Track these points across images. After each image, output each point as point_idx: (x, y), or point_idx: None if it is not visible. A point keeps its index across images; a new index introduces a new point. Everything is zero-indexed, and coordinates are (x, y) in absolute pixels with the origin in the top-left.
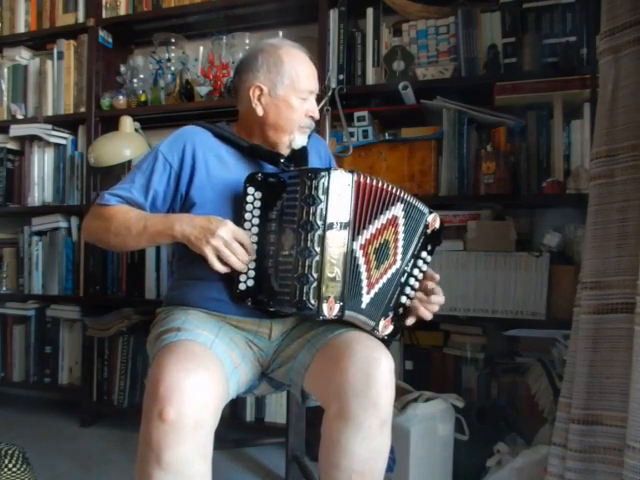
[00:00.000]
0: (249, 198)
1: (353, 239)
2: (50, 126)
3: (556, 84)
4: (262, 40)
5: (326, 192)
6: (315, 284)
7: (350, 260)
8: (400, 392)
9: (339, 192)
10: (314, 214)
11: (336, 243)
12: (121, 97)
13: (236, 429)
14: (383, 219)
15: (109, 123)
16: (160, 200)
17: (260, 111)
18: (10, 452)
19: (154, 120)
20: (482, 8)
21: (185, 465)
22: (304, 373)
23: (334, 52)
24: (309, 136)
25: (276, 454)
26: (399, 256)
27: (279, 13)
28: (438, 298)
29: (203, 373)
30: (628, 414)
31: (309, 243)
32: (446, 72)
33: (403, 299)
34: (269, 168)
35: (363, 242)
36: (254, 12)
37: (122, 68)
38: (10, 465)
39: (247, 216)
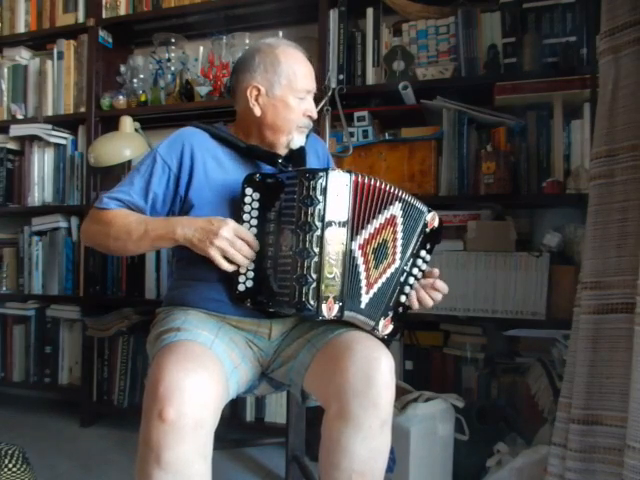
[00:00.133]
0: (247, 199)
1: (352, 239)
2: (50, 126)
3: (556, 84)
4: (259, 40)
5: (324, 192)
6: (314, 285)
7: (349, 260)
8: (400, 392)
9: (337, 192)
10: (312, 215)
11: (334, 243)
12: (121, 97)
13: (236, 429)
14: (381, 219)
15: (109, 123)
16: (160, 203)
17: (258, 111)
18: (10, 452)
19: (154, 120)
20: (482, 8)
21: (185, 465)
22: (304, 373)
23: (334, 52)
24: (307, 136)
25: (276, 454)
26: (398, 255)
27: (279, 13)
28: (443, 285)
29: (203, 373)
30: (628, 414)
31: (308, 244)
32: (446, 72)
33: (403, 298)
34: (267, 169)
35: (362, 242)
36: (254, 12)
37: (122, 68)
38: (10, 465)
39: (245, 217)
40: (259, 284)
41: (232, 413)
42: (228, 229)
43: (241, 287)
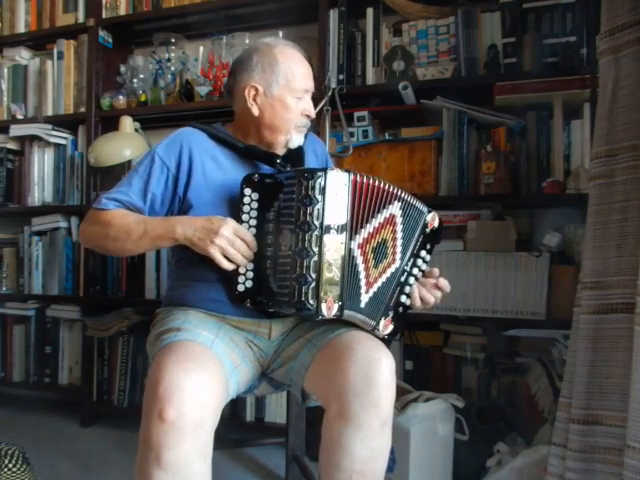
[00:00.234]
0: (246, 199)
1: (351, 238)
2: (50, 126)
3: (556, 84)
4: (258, 40)
5: (323, 192)
6: (313, 284)
7: (348, 259)
8: (400, 392)
9: (336, 192)
10: (311, 214)
11: (334, 243)
12: (121, 97)
13: (236, 429)
14: (380, 218)
15: (109, 123)
16: (158, 203)
17: (256, 111)
18: (10, 452)
19: (154, 120)
20: (482, 8)
21: (185, 465)
22: (304, 373)
23: (334, 52)
24: (305, 136)
25: (276, 454)
26: (398, 255)
27: (279, 13)
28: (446, 283)
29: (203, 373)
30: (628, 414)
31: (307, 243)
32: (446, 72)
33: (403, 298)
34: (265, 169)
35: (361, 241)
36: (254, 12)
37: (122, 68)
38: (10, 465)
39: (244, 217)
40: (259, 284)
41: (232, 413)
42: (228, 228)
43: (241, 287)
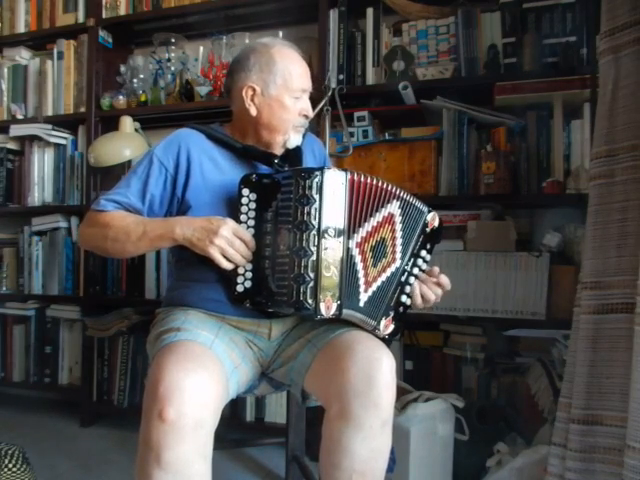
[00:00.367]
0: (244, 200)
1: (349, 237)
2: (50, 126)
3: (556, 84)
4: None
5: (320, 191)
6: (312, 284)
7: (346, 258)
8: (400, 392)
9: (333, 191)
10: (309, 214)
11: (331, 242)
12: (121, 97)
13: (236, 429)
14: (379, 217)
15: (109, 123)
16: (157, 204)
17: (253, 111)
18: (10, 452)
19: (154, 120)
20: (482, 8)
21: (185, 465)
22: (305, 373)
23: (334, 52)
24: (304, 135)
25: (276, 454)
26: (398, 255)
27: (279, 13)
28: (447, 280)
29: (203, 373)
30: (628, 414)
31: (304, 243)
32: (446, 72)
33: (403, 298)
34: (263, 169)
35: (359, 240)
36: (254, 12)
37: (122, 68)
38: (10, 465)
39: (242, 218)
40: (258, 284)
41: (232, 413)
42: (227, 228)
43: (240, 288)
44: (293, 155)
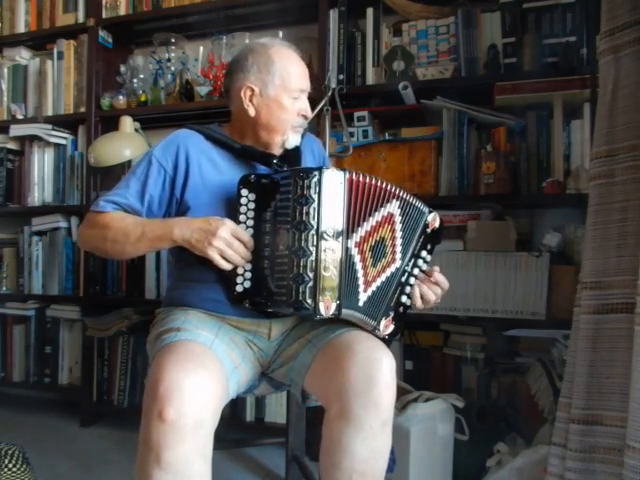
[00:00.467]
0: (243, 200)
1: (347, 237)
2: (50, 126)
3: (556, 84)
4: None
5: (318, 191)
6: (311, 283)
7: (345, 258)
8: (400, 392)
9: (331, 190)
10: (307, 213)
11: (330, 242)
12: (121, 97)
13: (236, 429)
14: (378, 216)
15: (109, 123)
16: (156, 205)
17: (252, 112)
18: (10, 452)
19: (154, 120)
20: (482, 8)
21: (185, 465)
22: (305, 373)
23: (334, 52)
24: (302, 135)
25: (276, 454)
26: (398, 255)
27: (279, 13)
28: (442, 278)
29: (203, 373)
30: (628, 414)
31: (303, 243)
32: (446, 72)
33: (404, 298)
34: (262, 169)
35: (358, 240)
36: (254, 12)
37: (122, 68)
38: (10, 465)
39: (242, 218)
40: (257, 284)
41: (232, 413)
42: (226, 229)
43: (239, 288)
44: (292, 155)
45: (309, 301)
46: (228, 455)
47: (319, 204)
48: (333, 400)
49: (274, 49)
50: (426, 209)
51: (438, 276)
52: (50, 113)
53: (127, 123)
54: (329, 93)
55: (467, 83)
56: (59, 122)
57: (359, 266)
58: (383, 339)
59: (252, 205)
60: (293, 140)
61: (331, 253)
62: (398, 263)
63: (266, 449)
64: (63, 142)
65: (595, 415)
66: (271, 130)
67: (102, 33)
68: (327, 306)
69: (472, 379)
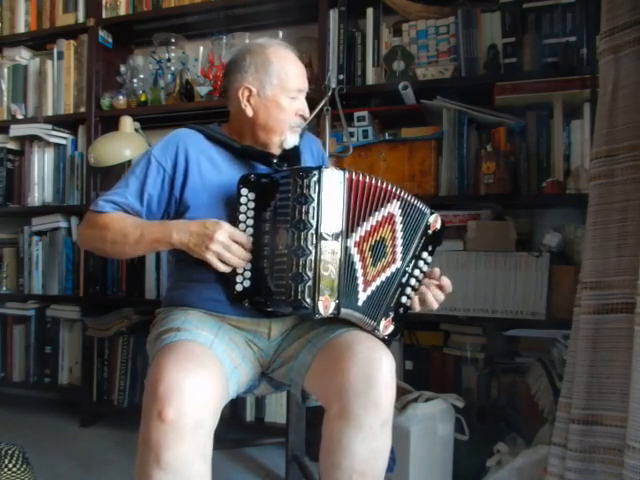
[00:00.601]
0: (243, 199)
1: (347, 236)
2: (50, 126)
3: (556, 84)
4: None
5: (318, 190)
6: (310, 283)
7: (344, 257)
8: (400, 392)
9: (331, 190)
10: (307, 213)
11: (329, 241)
12: (121, 97)
13: (236, 429)
14: (378, 216)
15: (109, 123)
16: (155, 204)
17: (250, 112)
18: (10, 452)
19: (154, 120)
20: (482, 8)
21: (185, 465)
22: (305, 373)
23: (334, 52)
24: (301, 135)
25: (276, 454)
26: (399, 255)
27: (279, 13)
28: (448, 282)
29: (203, 373)
30: (628, 414)
31: (302, 242)
32: (446, 72)
33: (404, 299)
34: (261, 168)
35: (357, 239)
36: (254, 12)
37: (122, 68)
38: (10, 465)
39: (241, 217)
40: (257, 284)
41: (232, 413)
42: (223, 232)
43: (239, 287)
44: (291, 155)
45: (308, 300)
46: (228, 455)
47: (318, 203)
48: (333, 400)
49: (271, 49)
50: (428, 210)
51: (444, 280)
52: (50, 113)
53: (127, 123)
54: (329, 93)
55: (467, 83)
56: (59, 122)
57: (358, 266)
58: (383, 339)
59: (252, 205)
60: (291, 140)
61: (330, 252)
62: (398, 264)
63: (266, 449)
64: (63, 142)
65: (595, 415)
66: (269, 130)
67: (102, 33)
68: (326, 305)
69: (472, 379)
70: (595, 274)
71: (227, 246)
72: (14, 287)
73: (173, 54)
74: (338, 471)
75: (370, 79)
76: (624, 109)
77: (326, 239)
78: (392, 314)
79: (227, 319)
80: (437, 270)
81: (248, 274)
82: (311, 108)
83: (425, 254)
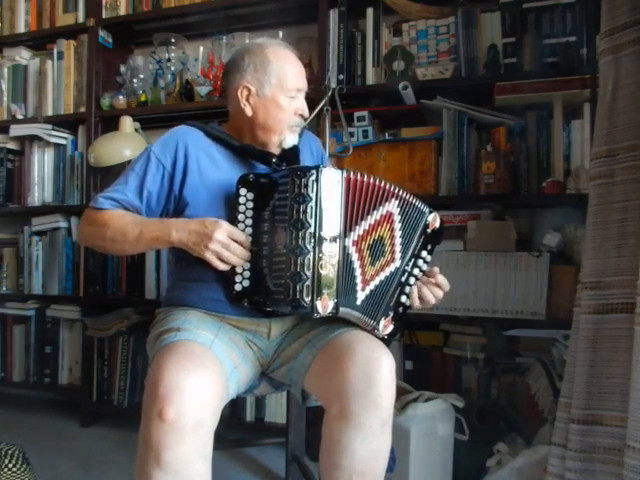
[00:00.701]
0: (241, 199)
1: (345, 235)
2: (50, 126)
3: (556, 84)
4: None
5: (316, 190)
6: (308, 282)
7: (343, 257)
8: (400, 392)
9: (329, 189)
10: (305, 212)
11: (328, 240)
12: (121, 97)
13: (236, 429)
14: (377, 215)
15: (109, 123)
16: (154, 201)
17: (249, 111)
18: (10, 452)
19: (154, 120)
20: (482, 8)
21: (185, 465)
22: (305, 373)
23: (334, 52)
24: (301, 134)
25: (276, 454)
26: (398, 254)
27: (279, 13)
28: (444, 280)
29: (203, 373)
30: (628, 414)
31: (301, 241)
32: (446, 72)
33: (403, 298)
34: (261, 168)
35: (356, 238)
36: (254, 12)
37: (122, 68)
38: (10, 465)
39: (240, 217)
40: (256, 283)
41: (232, 413)
42: (222, 232)
43: (238, 287)
44: (290, 154)
45: (306, 299)
46: (228, 455)
47: (316, 203)
48: (333, 400)
49: (270, 49)
50: (426, 209)
51: (440, 278)
52: (50, 113)
53: (127, 123)
54: (329, 93)
55: (467, 83)
56: (59, 122)
57: (357, 265)
58: (382, 339)
59: (251, 204)
60: (290, 139)
61: (328, 252)
62: (397, 263)
63: (266, 449)
64: (63, 142)
65: (595, 415)
66: (268, 130)
67: (102, 33)
68: (324, 304)
69: (472, 379)
70: (595, 274)
71: (226, 245)
72: (14, 287)
73: (173, 54)
74: (338, 471)
75: (370, 79)
76: (624, 109)
77: (324, 238)
78: (392, 313)
79: (227, 319)
80: (436, 269)
81: (247, 274)
82: (311, 108)
83: (424, 253)
